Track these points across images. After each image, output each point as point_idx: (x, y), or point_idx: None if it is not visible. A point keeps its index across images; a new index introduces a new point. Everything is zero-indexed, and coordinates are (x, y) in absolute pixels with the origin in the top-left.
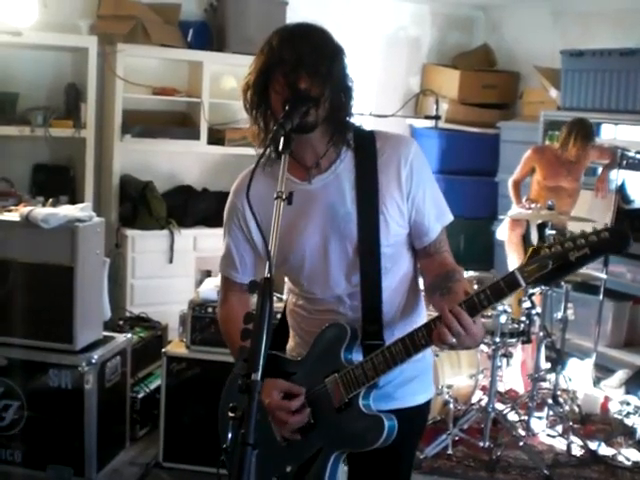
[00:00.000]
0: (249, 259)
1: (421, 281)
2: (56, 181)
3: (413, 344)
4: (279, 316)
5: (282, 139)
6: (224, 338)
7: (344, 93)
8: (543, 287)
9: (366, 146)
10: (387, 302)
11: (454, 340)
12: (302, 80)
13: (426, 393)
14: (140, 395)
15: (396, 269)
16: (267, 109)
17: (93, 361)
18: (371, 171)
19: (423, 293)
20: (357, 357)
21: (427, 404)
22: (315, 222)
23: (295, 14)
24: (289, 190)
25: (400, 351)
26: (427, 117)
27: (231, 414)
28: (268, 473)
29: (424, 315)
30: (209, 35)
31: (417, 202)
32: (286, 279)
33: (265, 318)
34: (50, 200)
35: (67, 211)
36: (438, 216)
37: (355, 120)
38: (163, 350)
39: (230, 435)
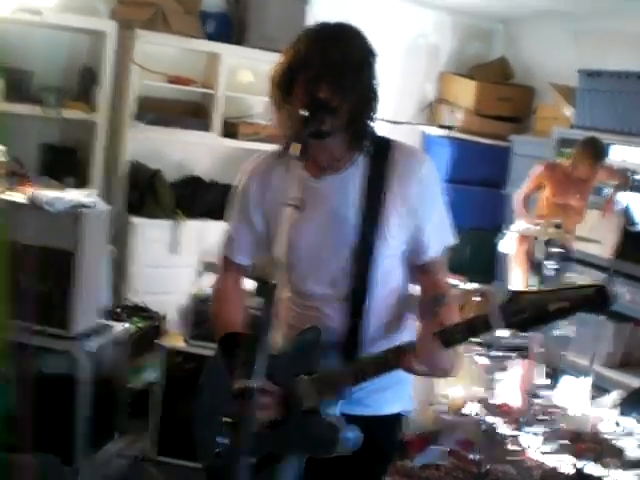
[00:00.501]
0: (252, 242)
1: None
2: (64, 163)
3: (385, 363)
4: None
5: (300, 146)
6: (212, 316)
7: (366, 103)
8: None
9: (381, 156)
10: (372, 312)
11: (420, 369)
12: (322, 89)
13: (401, 403)
14: (134, 386)
15: (387, 281)
16: (288, 105)
17: (88, 349)
18: (381, 182)
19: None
20: (332, 363)
21: (402, 415)
22: (316, 221)
23: (316, 14)
24: (302, 185)
25: (372, 367)
26: (441, 126)
27: (226, 419)
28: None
29: (410, 331)
30: (229, 27)
31: (421, 220)
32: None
33: (269, 324)
34: (57, 184)
35: (73, 196)
36: (441, 237)
37: (374, 126)
38: (161, 343)
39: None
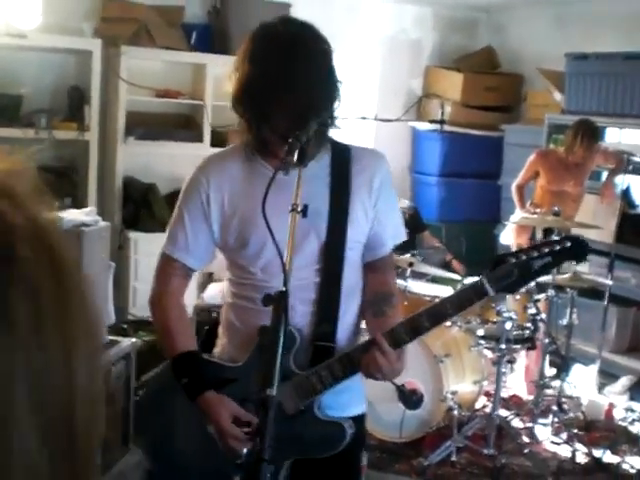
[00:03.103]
0: (204, 242)
1: None
2: (59, 183)
3: (352, 365)
4: None
5: (297, 152)
6: (159, 327)
7: (334, 102)
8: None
9: (343, 153)
10: (343, 304)
11: (379, 375)
12: (312, 109)
13: (358, 407)
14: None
15: (353, 274)
16: (265, 117)
17: None
18: (346, 175)
19: None
20: (305, 361)
21: (360, 418)
22: (282, 212)
23: (297, 16)
24: (265, 177)
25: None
26: (432, 121)
27: (246, 429)
28: None
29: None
30: (212, 37)
31: (381, 214)
32: (227, 272)
33: (281, 333)
34: (55, 204)
35: (72, 215)
36: (396, 234)
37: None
38: None
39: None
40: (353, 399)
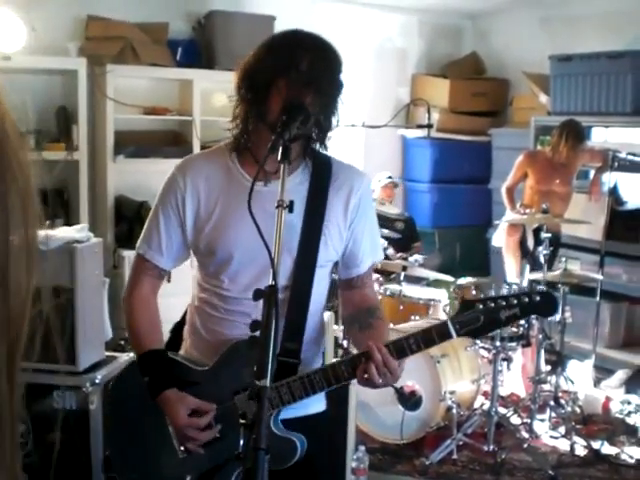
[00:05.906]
0: (177, 244)
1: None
2: (51, 205)
3: (335, 376)
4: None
5: (281, 149)
6: (128, 325)
7: (332, 115)
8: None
9: (323, 167)
10: (309, 321)
11: (380, 381)
12: (308, 96)
13: (318, 404)
14: None
15: (318, 291)
16: (262, 100)
17: (97, 381)
18: (323, 191)
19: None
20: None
21: (322, 415)
22: (260, 224)
23: (282, 28)
24: (241, 186)
25: (320, 381)
26: (419, 126)
27: (242, 420)
28: None
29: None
30: (198, 53)
31: (356, 233)
32: (196, 272)
33: (272, 326)
34: (47, 222)
35: (65, 232)
36: (372, 252)
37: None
38: None
39: (242, 442)
40: (313, 398)
